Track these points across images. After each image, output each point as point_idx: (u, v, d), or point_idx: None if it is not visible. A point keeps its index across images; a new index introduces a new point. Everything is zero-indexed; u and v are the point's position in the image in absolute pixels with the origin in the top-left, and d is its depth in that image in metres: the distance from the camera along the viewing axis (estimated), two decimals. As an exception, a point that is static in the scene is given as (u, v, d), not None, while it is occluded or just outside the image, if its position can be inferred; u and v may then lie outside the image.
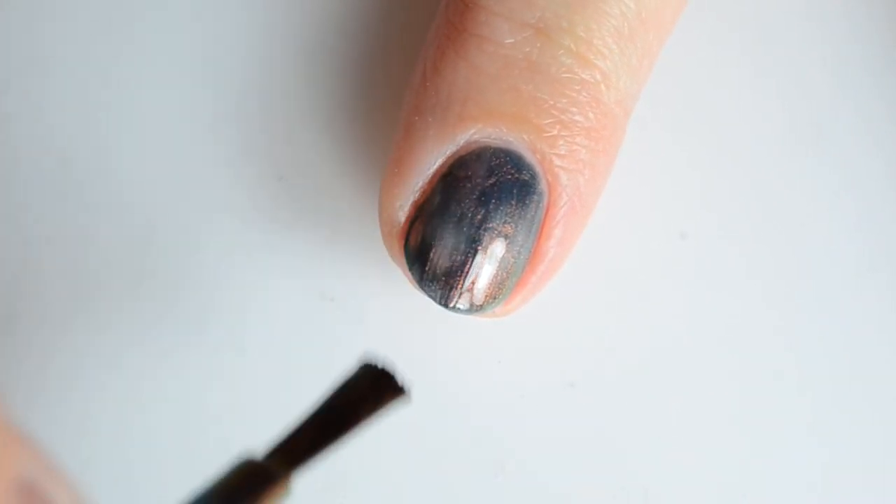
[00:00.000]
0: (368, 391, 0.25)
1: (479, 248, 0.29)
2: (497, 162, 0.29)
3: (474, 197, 0.29)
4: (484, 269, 0.29)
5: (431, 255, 0.29)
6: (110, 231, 0.33)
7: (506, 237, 0.29)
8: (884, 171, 0.33)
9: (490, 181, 0.29)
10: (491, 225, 0.29)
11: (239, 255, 0.32)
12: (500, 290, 0.29)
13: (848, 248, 0.32)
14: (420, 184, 0.29)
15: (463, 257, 0.29)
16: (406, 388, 0.26)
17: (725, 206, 0.33)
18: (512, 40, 0.29)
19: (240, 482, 0.24)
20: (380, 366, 0.26)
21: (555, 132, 0.29)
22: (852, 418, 0.32)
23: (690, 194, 0.33)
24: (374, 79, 0.33)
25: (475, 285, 0.29)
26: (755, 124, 0.33)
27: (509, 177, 0.29)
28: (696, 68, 0.33)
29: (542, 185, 0.29)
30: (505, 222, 0.29)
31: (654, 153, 0.33)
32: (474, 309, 0.29)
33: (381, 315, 0.32)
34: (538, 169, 0.29)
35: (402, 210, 0.29)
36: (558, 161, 0.29)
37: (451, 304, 0.29)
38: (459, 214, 0.29)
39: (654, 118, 0.32)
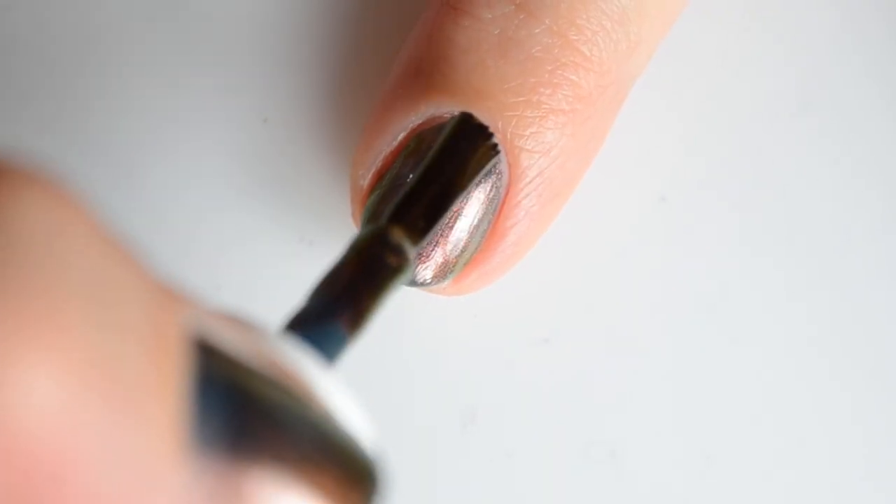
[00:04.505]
0: (466, 149, 0.27)
1: None
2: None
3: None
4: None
5: None
6: (90, 168, 0.33)
7: (458, 215, 0.28)
8: (873, 136, 0.32)
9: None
10: None
11: (220, 194, 0.33)
12: (448, 268, 0.29)
13: (832, 213, 0.32)
14: (383, 154, 0.29)
15: None
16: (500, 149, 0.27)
17: (706, 170, 0.32)
18: (490, 15, 0.28)
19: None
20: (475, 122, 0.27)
21: (519, 112, 0.28)
22: (831, 376, 0.31)
23: (672, 157, 0.32)
24: (364, 24, 0.33)
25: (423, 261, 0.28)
26: (742, 88, 0.32)
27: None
28: (682, 28, 0.32)
29: (502, 166, 0.28)
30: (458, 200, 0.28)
31: (634, 114, 0.32)
32: (419, 283, 0.29)
33: (360, 261, 0.32)
34: (498, 148, 0.28)
35: (364, 178, 0.29)
36: (520, 142, 0.28)
37: None
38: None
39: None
